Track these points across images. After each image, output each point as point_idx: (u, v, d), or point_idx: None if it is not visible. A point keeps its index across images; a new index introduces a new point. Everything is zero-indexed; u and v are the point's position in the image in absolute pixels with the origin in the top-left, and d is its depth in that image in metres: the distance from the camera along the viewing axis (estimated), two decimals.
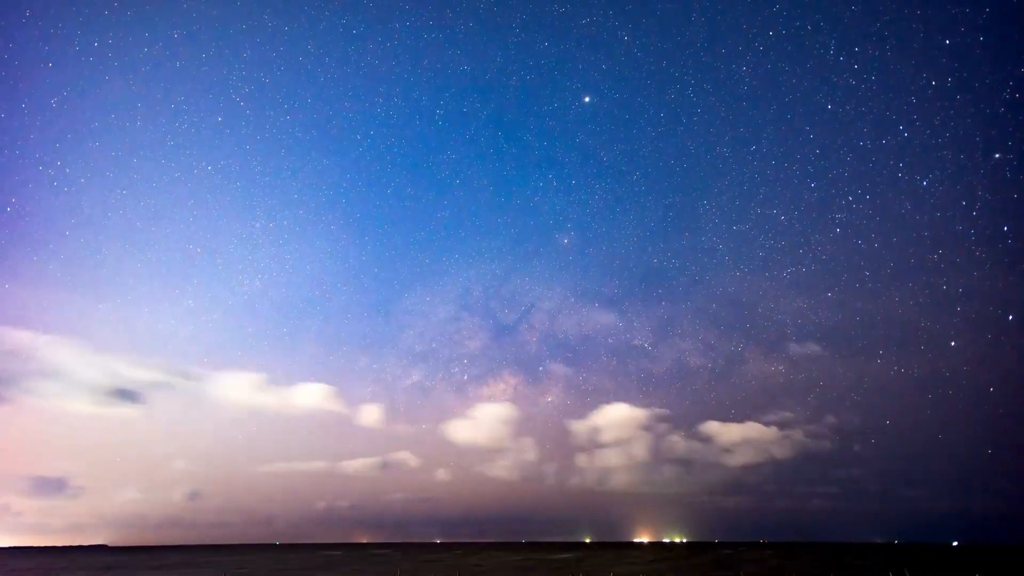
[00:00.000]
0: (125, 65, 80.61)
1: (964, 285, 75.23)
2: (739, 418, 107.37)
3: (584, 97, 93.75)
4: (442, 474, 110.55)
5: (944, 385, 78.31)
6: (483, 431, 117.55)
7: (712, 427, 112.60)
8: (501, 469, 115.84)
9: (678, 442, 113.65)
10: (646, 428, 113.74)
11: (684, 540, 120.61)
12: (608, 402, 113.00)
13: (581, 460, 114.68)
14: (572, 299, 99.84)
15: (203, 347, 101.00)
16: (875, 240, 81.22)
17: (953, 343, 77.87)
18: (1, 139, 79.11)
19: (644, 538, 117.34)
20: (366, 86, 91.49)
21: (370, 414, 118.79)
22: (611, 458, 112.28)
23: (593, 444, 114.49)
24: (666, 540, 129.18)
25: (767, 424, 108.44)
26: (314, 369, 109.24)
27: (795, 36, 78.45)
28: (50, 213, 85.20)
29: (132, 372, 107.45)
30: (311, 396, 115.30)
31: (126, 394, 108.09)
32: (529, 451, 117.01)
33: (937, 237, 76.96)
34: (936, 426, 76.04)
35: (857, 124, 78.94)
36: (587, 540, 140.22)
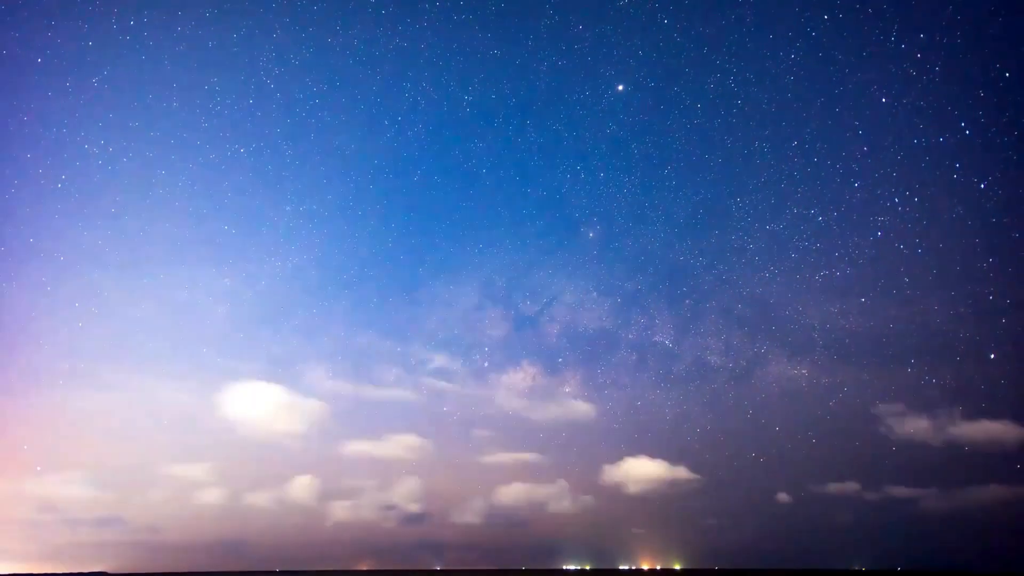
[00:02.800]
0: (159, 44, 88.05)
1: (1013, 295, 73.03)
2: None
3: (617, 86, 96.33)
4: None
5: (977, 397, 76.14)
6: None
7: None
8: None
9: None
10: None
11: (679, 567, 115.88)
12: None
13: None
14: (595, 293, 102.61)
15: (235, 327, 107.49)
16: (919, 245, 79.38)
17: (993, 355, 75.54)
18: (49, 119, 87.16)
19: (645, 565, 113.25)
20: (393, 70, 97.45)
21: None
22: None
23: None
24: (632, 567, 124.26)
25: None
26: (339, 350, 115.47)
27: (854, 21, 77.84)
28: (98, 192, 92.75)
29: None
30: None
31: None
32: None
33: (989, 244, 74.80)
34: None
35: (913, 120, 77.50)
36: (586, 567, 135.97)
